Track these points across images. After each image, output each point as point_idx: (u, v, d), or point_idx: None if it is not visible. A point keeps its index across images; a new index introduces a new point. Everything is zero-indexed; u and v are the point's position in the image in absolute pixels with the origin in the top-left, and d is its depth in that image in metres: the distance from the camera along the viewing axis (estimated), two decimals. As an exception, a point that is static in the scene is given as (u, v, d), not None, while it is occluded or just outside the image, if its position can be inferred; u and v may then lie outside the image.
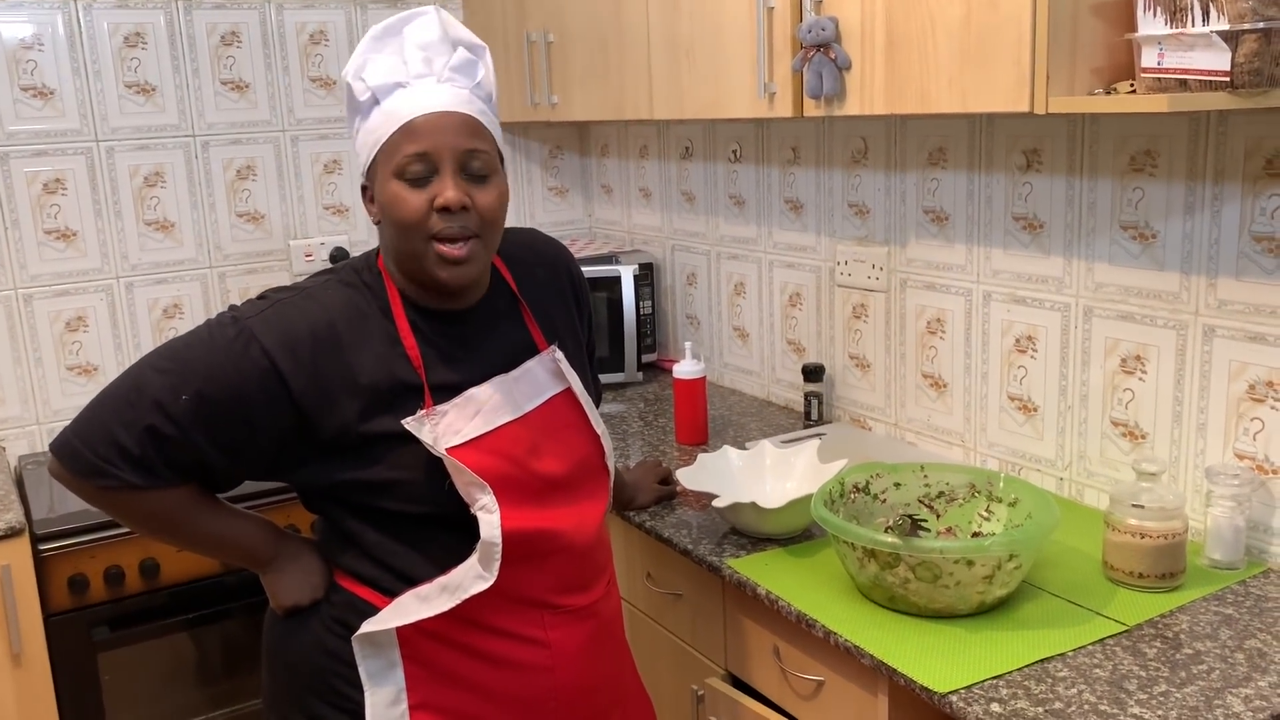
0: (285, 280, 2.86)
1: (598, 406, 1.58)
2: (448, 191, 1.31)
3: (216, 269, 2.80)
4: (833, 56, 1.80)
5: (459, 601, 1.34)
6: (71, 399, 2.64)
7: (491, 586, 1.34)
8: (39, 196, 2.57)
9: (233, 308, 1.38)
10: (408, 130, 1.32)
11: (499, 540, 1.34)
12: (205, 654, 2.36)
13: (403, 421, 1.34)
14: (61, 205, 2.60)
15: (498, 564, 1.34)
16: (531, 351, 1.48)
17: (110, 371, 2.68)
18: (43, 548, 2.17)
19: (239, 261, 2.83)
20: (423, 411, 1.35)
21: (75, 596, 2.20)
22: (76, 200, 2.61)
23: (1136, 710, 1.32)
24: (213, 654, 2.37)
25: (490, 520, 1.34)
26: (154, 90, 2.68)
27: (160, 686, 2.32)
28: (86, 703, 2.23)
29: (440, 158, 1.32)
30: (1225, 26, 1.32)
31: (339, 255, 2.91)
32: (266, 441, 1.35)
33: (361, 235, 2.98)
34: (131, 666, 2.28)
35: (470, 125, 1.34)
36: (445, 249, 1.32)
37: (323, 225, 2.93)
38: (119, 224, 2.67)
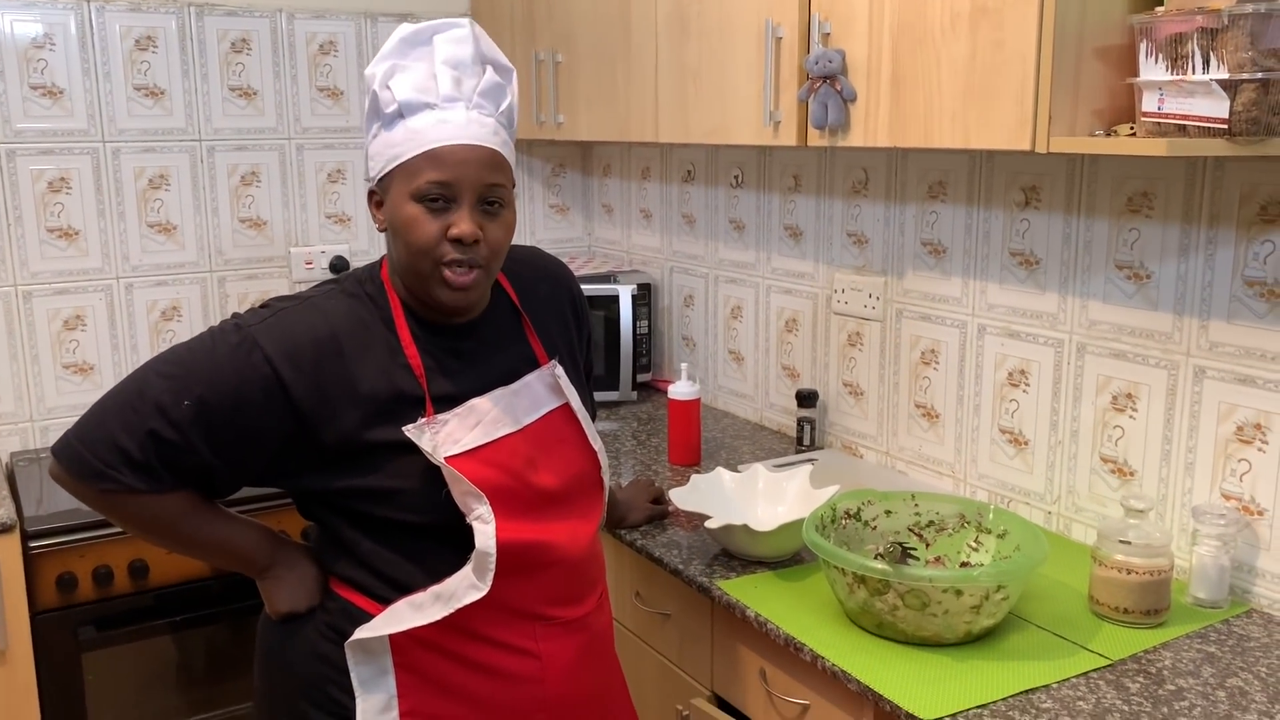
0: (284, 286, 2.88)
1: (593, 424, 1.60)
2: (463, 224, 1.33)
3: (216, 273, 2.81)
4: (839, 88, 1.83)
5: (452, 611, 1.35)
6: (66, 397, 2.65)
7: (484, 597, 1.36)
8: (43, 195, 2.58)
9: (236, 315, 1.40)
10: (432, 157, 1.33)
11: (494, 550, 1.35)
12: (190, 657, 2.36)
13: (404, 429, 1.35)
14: (65, 204, 2.61)
15: (492, 574, 1.35)
16: (531, 365, 1.50)
17: (106, 371, 2.69)
18: (32, 545, 2.16)
19: (239, 266, 2.84)
20: (424, 420, 1.36)
21: (63, 595, 2.20)
22: (80, 200, 2.63)
23: (1119, 744, 1.34)
24: (197, 658, 2.36)
25: (485, 530, 1.35)
26: (163, 94, 2.69)
27: (143, 688, 2.31)
28: (69, 703, 2.23)
29: (461, 190, 1.34)
30: (1225, 75, 1.35)
31: (339, 264, 2.92)
32: (266, 448, 1.36)
33: (362, 244, 2.99)
34: (116, 667, 2.27)
35: (494, 160, 1.37)
36: (451, 275, 1.35)
37: (324, 234, 2.94)
38: (121, 225, 2.68)
